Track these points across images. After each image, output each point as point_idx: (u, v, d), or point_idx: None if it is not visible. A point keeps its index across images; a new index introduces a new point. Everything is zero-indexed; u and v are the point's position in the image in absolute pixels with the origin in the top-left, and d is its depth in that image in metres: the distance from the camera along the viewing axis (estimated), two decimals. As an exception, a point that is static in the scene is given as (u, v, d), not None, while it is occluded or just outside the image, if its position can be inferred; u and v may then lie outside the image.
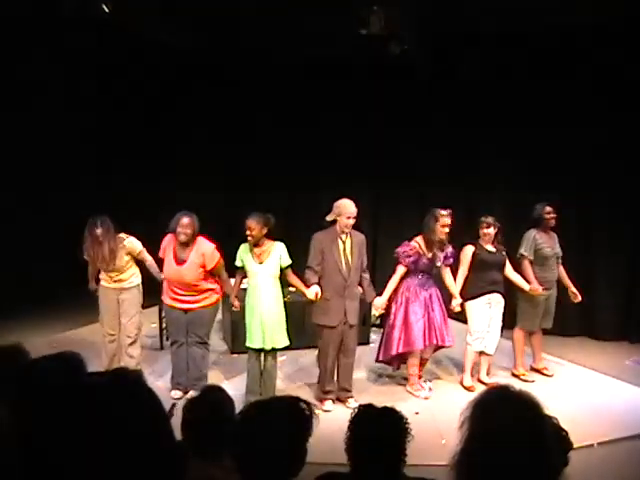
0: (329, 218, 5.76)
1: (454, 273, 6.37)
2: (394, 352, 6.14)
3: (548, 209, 6.55)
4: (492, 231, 6.35)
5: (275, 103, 9.19)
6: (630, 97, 7.55)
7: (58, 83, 8.43)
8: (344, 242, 5.74)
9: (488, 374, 6.59)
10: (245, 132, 9.41)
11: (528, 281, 6.47)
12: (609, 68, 7.52)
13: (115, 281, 6.05)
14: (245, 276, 5.83)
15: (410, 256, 6.03)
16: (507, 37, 7.65)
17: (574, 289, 6.72)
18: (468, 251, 6.34)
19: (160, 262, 6.00)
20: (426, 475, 2.54)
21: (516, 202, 7.88)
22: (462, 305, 6.30)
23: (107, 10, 6.79)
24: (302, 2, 6.77)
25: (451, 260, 6.30)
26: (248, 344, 5.80)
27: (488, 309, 6.36)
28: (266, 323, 5.67)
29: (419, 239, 6.10)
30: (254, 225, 5.56)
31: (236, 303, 5.93)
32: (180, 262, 5.77)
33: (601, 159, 7.82)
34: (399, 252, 6.07)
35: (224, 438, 2.30)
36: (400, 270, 6.09)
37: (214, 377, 6.34)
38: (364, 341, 7.18)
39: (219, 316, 6.11)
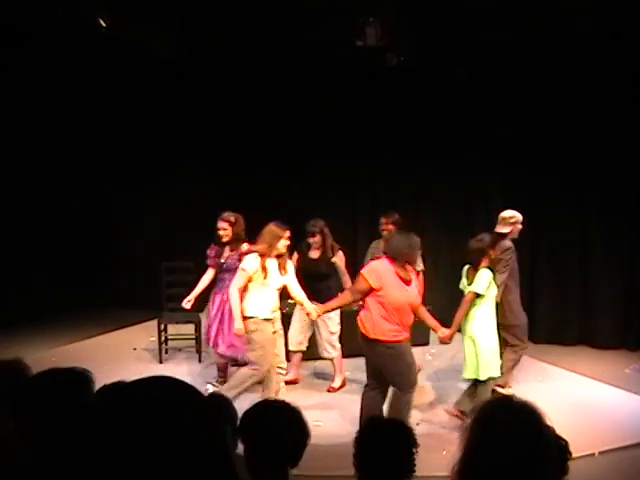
0: (504, 231, 5.98)
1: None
2: None
3: (381, 220, 6.58)
4: (317, 239, 6.26)
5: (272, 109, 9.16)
6: (621, 97, 7.53)
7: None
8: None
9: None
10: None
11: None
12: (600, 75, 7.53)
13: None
14: None
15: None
16: (504, 42, 7.61)
17: None
18: (294, 258, 6.30)
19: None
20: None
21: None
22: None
23: (104, 24, 6.79)
24: (298, 13, 6.80)
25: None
26: (495, 375, 5.60)
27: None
28: None
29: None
30: None
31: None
32: (408, 283, 5.03)
33: (592, 159, 7.82)
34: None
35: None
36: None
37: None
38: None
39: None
